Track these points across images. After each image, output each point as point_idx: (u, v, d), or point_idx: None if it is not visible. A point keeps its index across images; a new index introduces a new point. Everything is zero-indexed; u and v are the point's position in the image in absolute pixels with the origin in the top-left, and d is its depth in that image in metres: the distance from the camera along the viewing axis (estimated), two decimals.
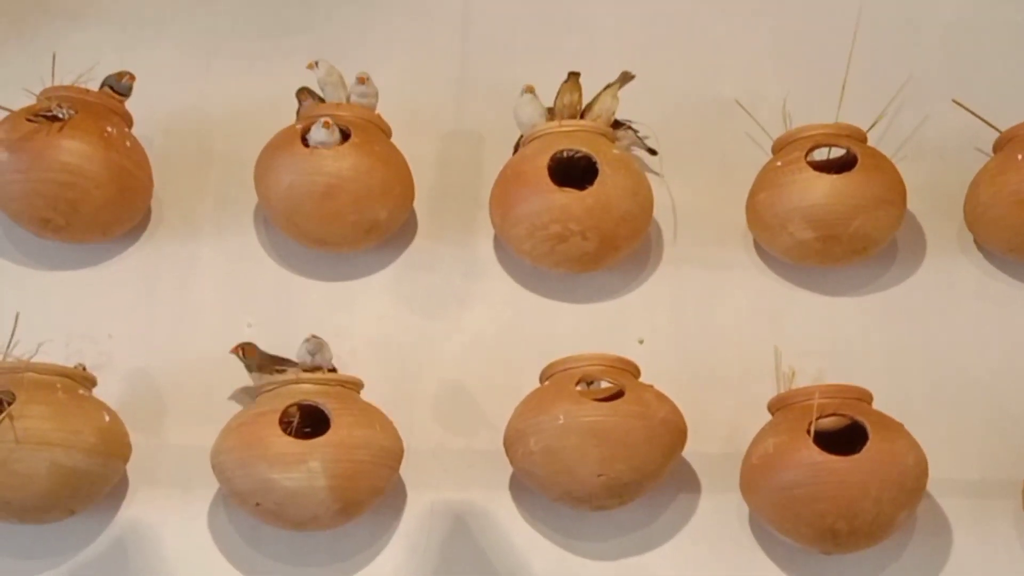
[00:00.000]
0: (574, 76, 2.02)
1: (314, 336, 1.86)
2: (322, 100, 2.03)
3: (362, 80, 2.01)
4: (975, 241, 2.04)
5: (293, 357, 1.88)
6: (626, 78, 2.03)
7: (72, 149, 1.91)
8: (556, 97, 2.03)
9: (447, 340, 2.01)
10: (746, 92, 2.14)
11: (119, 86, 2.01)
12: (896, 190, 1.95)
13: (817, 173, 1.93)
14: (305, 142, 1.94)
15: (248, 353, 1.88)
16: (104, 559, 1.86)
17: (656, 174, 2.09)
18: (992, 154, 2.01)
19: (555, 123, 2.00)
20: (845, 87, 2.06)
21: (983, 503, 1.86)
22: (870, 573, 1.83)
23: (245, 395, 1.92)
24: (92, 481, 1.77)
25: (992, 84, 2.14)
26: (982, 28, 2.22)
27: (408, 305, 2.05)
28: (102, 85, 2.01)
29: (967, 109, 2.04)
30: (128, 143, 1.99)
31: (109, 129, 1.95)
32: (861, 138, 1.99)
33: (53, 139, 1.90)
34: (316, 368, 1.86)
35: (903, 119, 2.12)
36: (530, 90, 2.02)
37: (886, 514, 1.72)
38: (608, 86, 2.04)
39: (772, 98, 2.11)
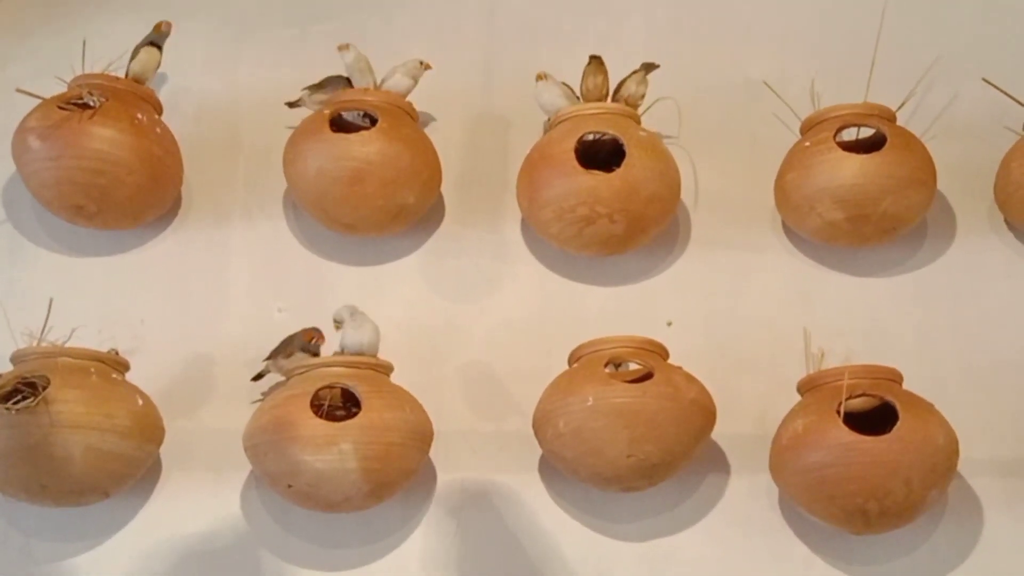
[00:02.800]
0: (596, 59, 2.02)
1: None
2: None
3: (427, 66, 2.05)
4: (1006, 220, 2.03)
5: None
6: (649, 68, 2.03)
7: (103, 136, 1.92)
8: (582, 81, 2.03)
9: (475, 324, 2.02)
10: (774, 73, 2.13)
11: (158, 37, 2.03)
12: (926, 170, 1.94)
13: (846, 153, 1.92)
14: (333, 127, 1.95)
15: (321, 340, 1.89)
16: (139, 541, 1.88)
17: (680, 146, 2.07)
18: (1022, 132, 1.99)
19: (581, 106, 1.99)
20: (874, 67, 2.05)
21: (1015, 483, 1.86)
22: (901, 554, 1.83)
23: (276, 378, 1.93)
24: (126, 464, 1.80)
25: (1022, 62, 2.12)
26: (1011, 6, 2.20)
27: (437, 289, 2.05)
28: (144, 43, 2.02)
29: (997, 88, 2.02)
30: (158, 130, 2.01)
31: (139, 116, 1.97)
32: (890, 118, 1.98)
33: (84, 126, 1.92)
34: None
35: (932, 98, 2.10)
36: (542, 77, 2.02)
37: (917, 494, 1.72)
38: (633, 72, 2.03)
39: (800, 78, 2.10)
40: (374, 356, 1.86)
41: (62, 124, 1.92)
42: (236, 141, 2.16)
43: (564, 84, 2.04)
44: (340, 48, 2.03)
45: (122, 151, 1.93)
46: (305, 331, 1.89)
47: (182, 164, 2.07)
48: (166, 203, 2.06)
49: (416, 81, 2.06)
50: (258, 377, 1.91)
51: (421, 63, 2.05)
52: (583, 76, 2.02)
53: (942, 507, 1.84)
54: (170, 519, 1.89)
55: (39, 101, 1.97)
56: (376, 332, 1.86)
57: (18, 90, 1.96)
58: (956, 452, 1.76)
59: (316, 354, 1.87)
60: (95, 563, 1.87)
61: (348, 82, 2.04)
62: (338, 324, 1.87)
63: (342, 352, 1.86)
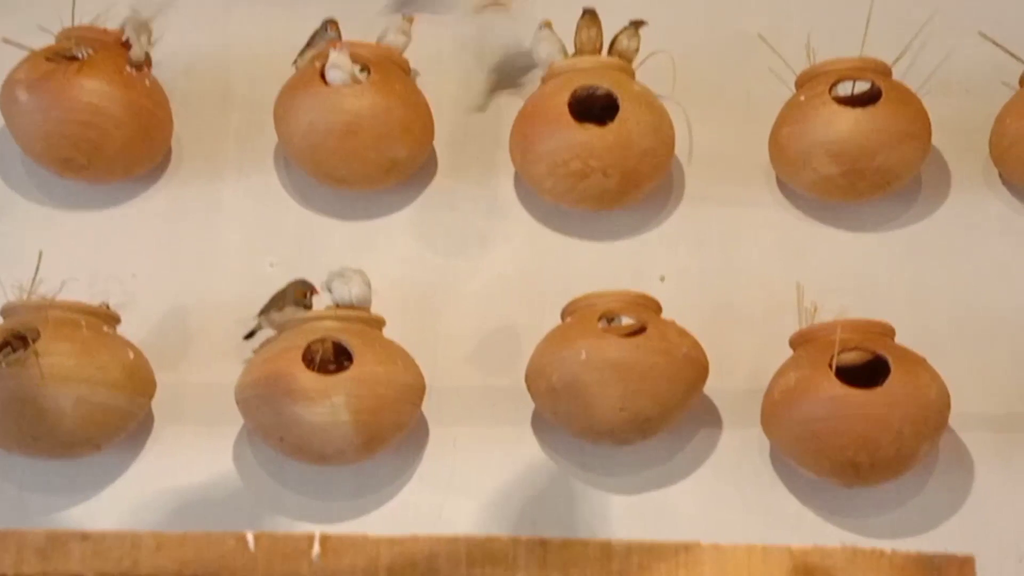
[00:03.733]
0: (590, 12, 2.00)
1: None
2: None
3: (410, 19, 2.03)
4: (1000, 176, 2.02)
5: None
6: (638, 24, 2.01)
7: (92, 89, 1.91)
8: (575, 35, 2.01)
9: (468, 279, 2.01)
10: (769, 27, 2.11)
11: None
12: (921, 124, 1.93)
13: (841, 107, 1.91)
14: (324, 79, 1.94)
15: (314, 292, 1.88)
16: (131, 494, 1.88)
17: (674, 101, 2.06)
18: (1018, 88, 1.98)
19: (575, 59, 1.98)
20: (869, 21, 2.03)
21: (1006, 437, 1.86)
22: (891, 506, 1.84)
23: (268, 332, 1.92)
24: (118, 417, 1.79)
25: (1019, 17, 2.11)
26: None
27: (429, 244, 2.05)
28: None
29: (993, 42, 2.01)
30: (147, 82, 1.99)
31: (128, 68, 1.95)
32: (886, 72, 1.97)
33: (72, 79, 1.90)
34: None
35: (928, 53, 2.08)
36: (548, 25, 2.00)
37: (908, 447, 1.72)
38: (623, 29, 2.01)
39: (796, 33, 2.08)
40: (366, 310, 1.86)
41: (50, 76, 1.90)
42: (227, 95, 2.14)
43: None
44: (332, 45, 1.99)
45: (111, 103, 1.92)
46: (297, 287, 1.88)
47: (172, 116, 2.05)
48: (156, 157, 2.04)
49: (409, 37, 2.04)
50: (250, 335, 1.90)
51: (404, 17, 2.03)
52: (576, 30, 2.01)
53: (933, 461, 1.84)
54: (162, 472, 1.89)
55: (26, 53, 1.95)
56: (366, 285, 1.85)
57: (4, 40, 1.94)
58: (947, 406, 1.76)
59: (308, 308, 1.86)
60: (88, 515, 1.86)
61: (334, 24, 2.01)
62: (329, 283, 1.86)
63: (335, 307, 1.86)
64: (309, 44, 2.03)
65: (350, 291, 1.84)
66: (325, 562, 0.78)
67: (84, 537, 0.80)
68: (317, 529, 1.61)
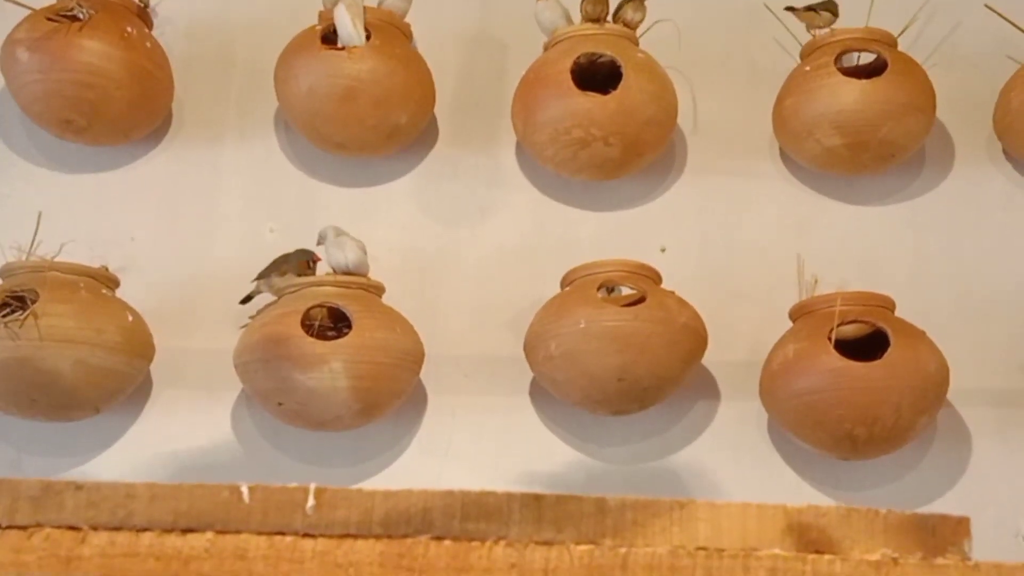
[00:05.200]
0: None
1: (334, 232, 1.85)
2: None
3: None
4: (1004, 150, 2.01)
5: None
6: None
7: (92, 49, 1.90)
8: (581, 4, 2.00)
9: (469, 247, 2.01)
10: None
11: None
12: (926, 97, 1.92)
13: (846, 78, 1.89)
14: (326, 42, 1.92)
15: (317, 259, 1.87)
16: (129, 458, 1.88)
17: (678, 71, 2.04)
18: None
19: (578, 26, 1.97)
20: None
21: (1004, 412, 1.86)
22: (889, 479, 1.84)
23: (267, 297, 1.92)
24: (116, 379, 1.79)
25: None
26: None
27: (430, 212, 2.04)
28: None
29: (999, 15, 1.99)
30: (148, 44, 1.98)
31: (129, 29, 1.94)
32: (891, 43, 1.96)
33: (73, 39, 1.89)
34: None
35: (934, 25, 2.07)
36: None
37: (906, 420, 1.72)
38: (628, 0, 2.00)
39: (802, 2, 2.07)
40: (365, 276, 1.85)
41: (51, 36, 1.89)
42: (229, 59, 2.12)
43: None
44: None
45: (111, 64, 1.91)
46: (301, 258, 1.86)
47: (172, 79, 2.04)
48: (156, 119, 2.03)
49: (409, 2, 2.02)
50: (247, 299, 1.90)
51: None
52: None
53: (931, 434, 1.84)
54: (160, 436, 1.89)
55: (28, 13, 1.93)
56: (360, 251, 1.84)
57: None
58: (946, 380, 1.76)
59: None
60: (85, 478, 1.86)
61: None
62: (321, 240, 1.85)
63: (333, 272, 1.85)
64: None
65: (346, 257, 1.83)
66: (319, 514, 0.78)
67: (78, 487, 0.80)
68: None
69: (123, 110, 1.95)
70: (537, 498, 0.79)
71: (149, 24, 2.02)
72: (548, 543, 0.78)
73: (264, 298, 1.89)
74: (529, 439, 1.90)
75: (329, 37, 1.95)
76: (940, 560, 0.76)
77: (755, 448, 1.87)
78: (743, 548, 0.76)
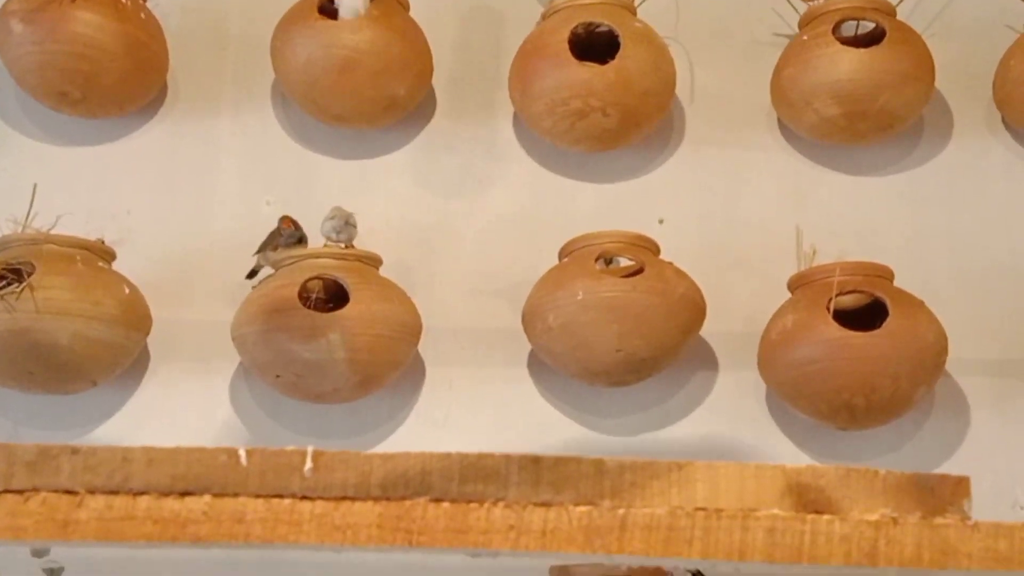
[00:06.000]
0: None
1: (338, 209, 1.84)
2: None
3: None
4: (1003, 120, 2.00)
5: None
6: None
7: (86, 20, 1.88)
8: None
9: (466, 219, 2.00)
10: None
11: None
12: (925, 66, 1.91)
13: (844, 47, 1.88)
14: (323, 13, 1.91)
15: (296, 226, 1.86)
16: (127, 431, 1.88)
17: (677, 42, 2.04)
18: None
19: None
20: None
21: (1002, 382, 1.86)
22: (887, 449, 1.84)
23: (269, 271, 1.92)
24: (113, 352, 1.79)
25: None
26: None
27: (428, 185, 2.03)
28: None
29: None
30: (142, 15, 1.96)
31: (123, 0, 1.93)
32: (890, 12, 1.94)
33: (67, 10, 1.87)
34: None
35: None
36: None
37: (904, 390, 1.72)
38: None
39: None
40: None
41: (45, 7, 1.87)
42: (224, 30, 2.11)
43: None
44: None
45: (106, 36, 1.89)
46: (280, 221, 1.86)
47: (167, 51, 2.02)
48: (151, 91, 2.02)
49: None
50: (252, 274, 1.89)
51: None
52: None
53: (929, 404, 1.84)
54: (158, 409, 1.89)
55: None
56: (352, 227, 1.84)
57: None
58: (945, 350, 1.76)
59: (300, 240, 1.85)
60: None
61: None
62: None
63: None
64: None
65: (349, 233, 1.83)
66: (317, 476, 0.77)
67: (74, 451, 0.79)
68: None
69: (118, 82, 1.93)
70: (535, 460, 0.79)
71: None
72: (546, 504, 0.78)
73: (268, 271, 1.88)
74: (527, 411, 1.90)
75: (326, 8, 1.93)
76: (939, 519, 0.76)
77: (754, 419, 1.87)
78: (741, 508, 0.76)
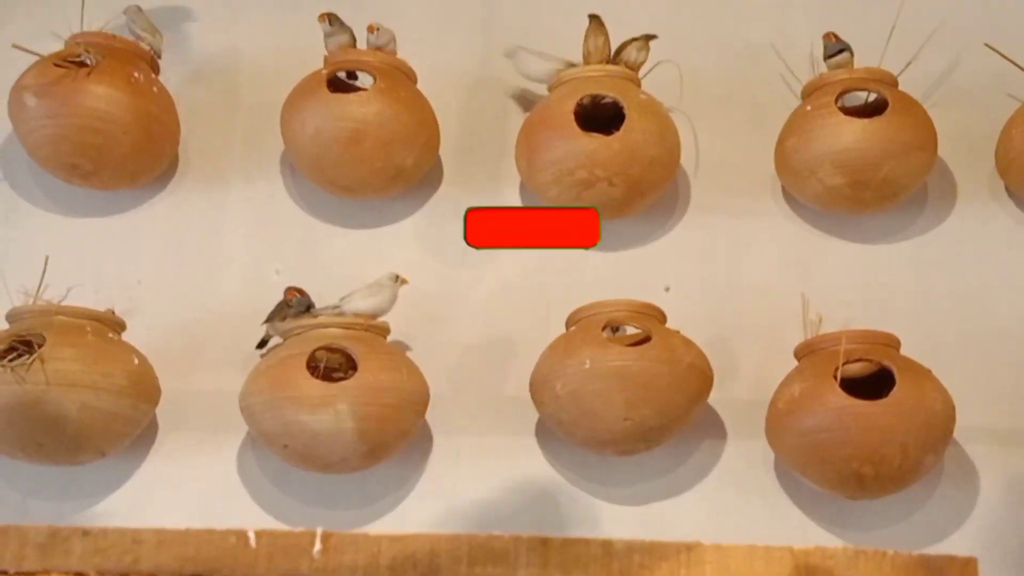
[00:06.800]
0: (596, 20, 2.00)
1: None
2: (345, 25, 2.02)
3: (372, 30, 2.00)
4: (1006, 188, 2.02)
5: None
6: (649, 37, 2.02)
7: (99, 94, 1.91)
8: (583, 43, 2.01)
9: (473, 288, 2.02)
10: (776, 37, 2.12)
11: None
12: (927, 135, 1.93)
13: (847, 117, 1.91)
14: (331, 87, 1.94)
15: (303, 294, 1.88)
16: (135, 501, 1.88)
17: (680, 112, 2.06)
18: None
19: (582, 68, 1.99)
20: (877, 31, 2.03)
21: (1011, 451, 1.86)
22: (896, 519, 1.83)
23: (279, 340, 1.92)
24: (122, 423, 1.79)
25: None
26: None
27: (435, 253, 2.05)
28: None
29: (999, 53, 2.00)
30: (155, 89, 1.99)
31: (136, 75, 1.96)
32: (892, 82, 1.97)
33: (80, 84, 1.91)
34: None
35: (934, 64, 2.08)
36: (509, 54, 2.04)
37: (912, 459, 1.72)
38: (633, 40, 2.02)
39: (802, 43, 2.09)
40: (373, 319, 1.86)
41: (59, 82, 1.91)
42: (234, 102, 2.14)
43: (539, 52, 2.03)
44: (320, 19, 2.01)
45: (118, 110, 1.92)
46: (285, 292, 1.88)
47: (179, 123, 2.05)
48: (163, 163, 2.05)
49: (394, 39, 2.04)
50: (262, 344, 1.90)
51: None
52: (585, 37, 2.01)
53: (938, 473, 1.84)
54: (166, 480, 1.89)
55: (36, 59, 1.95)
56: (383, 302, 1.86)
57: (14, 45, 1.95)
58: (953, 418, 1.76)
59: (308, 308, 1.86)
60: (91, 522, 1.87)
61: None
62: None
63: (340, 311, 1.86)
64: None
65: (369, 304, 1.85)
66: (326, 559, 0.78)
67: (85, 533, 0.80)
68: None
69: (129, 155, 1.96)
70: (544, 541, 0.79)
71: (156, 69, 2.04)
72: None
73: (278, 340, 1.89)
74: (535, 479, 1.89)
75: (335, 81, 1.96)
76: None
77: (762, 487, 1.86)
78: None
